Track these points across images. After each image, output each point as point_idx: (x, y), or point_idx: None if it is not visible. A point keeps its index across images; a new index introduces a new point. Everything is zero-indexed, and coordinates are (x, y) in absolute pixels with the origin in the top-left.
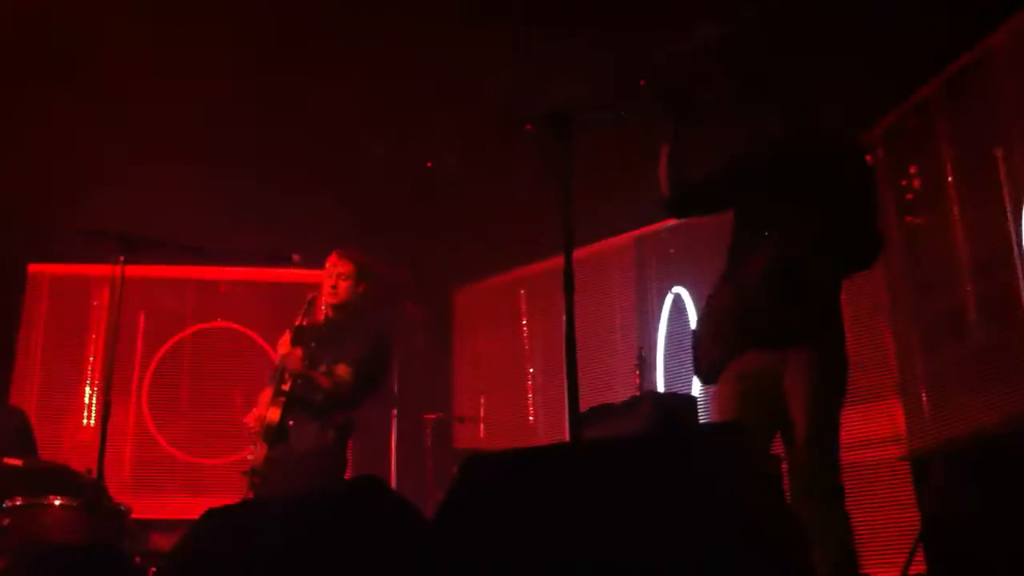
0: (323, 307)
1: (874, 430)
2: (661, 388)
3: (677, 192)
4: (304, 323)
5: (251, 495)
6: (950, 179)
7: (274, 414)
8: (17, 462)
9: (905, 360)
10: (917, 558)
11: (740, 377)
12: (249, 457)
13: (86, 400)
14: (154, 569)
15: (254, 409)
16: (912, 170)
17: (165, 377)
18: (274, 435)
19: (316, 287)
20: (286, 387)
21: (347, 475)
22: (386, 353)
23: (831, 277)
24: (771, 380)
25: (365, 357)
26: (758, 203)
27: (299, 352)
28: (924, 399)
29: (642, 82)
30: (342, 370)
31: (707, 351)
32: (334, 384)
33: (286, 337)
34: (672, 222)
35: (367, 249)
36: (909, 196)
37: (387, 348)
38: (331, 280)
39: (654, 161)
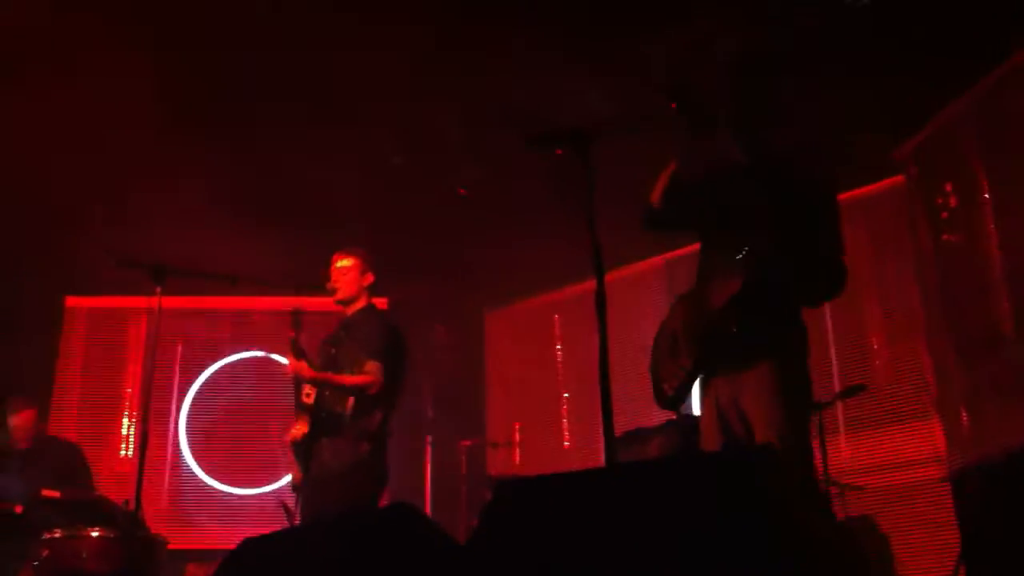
0: (336, 306)
1: (913, 450)
2: (696, 411)
3: (667, 203)
4: (296, 336)
5: (293, 518)
6: (985, 195)
7: (300, 429)
8: (56, 494)
9: (943, 378)
10: None
11: (717, 403)
12: (289, 482)
13: (124, 431)
14: None
15: (289, 430)
16: (947, 188)
17: (201, 407)
18: (304, 451)
19: (308, 313)
20: (308, 400)
21: (385, 494)
22: (403, 342)
23: (794, 305)
24: (740, 404)
25: (387, 346)
26: (720, 226)
27: (303, 363)
28: (963, 417)
29: (672, 104)
30: (370, 366)
31: (667, 377)
32: (363, 381)
33: (289, 356)
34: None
35: (397, 274)
36: (944, 215)
37: (402, 337)
38: (334, 277)
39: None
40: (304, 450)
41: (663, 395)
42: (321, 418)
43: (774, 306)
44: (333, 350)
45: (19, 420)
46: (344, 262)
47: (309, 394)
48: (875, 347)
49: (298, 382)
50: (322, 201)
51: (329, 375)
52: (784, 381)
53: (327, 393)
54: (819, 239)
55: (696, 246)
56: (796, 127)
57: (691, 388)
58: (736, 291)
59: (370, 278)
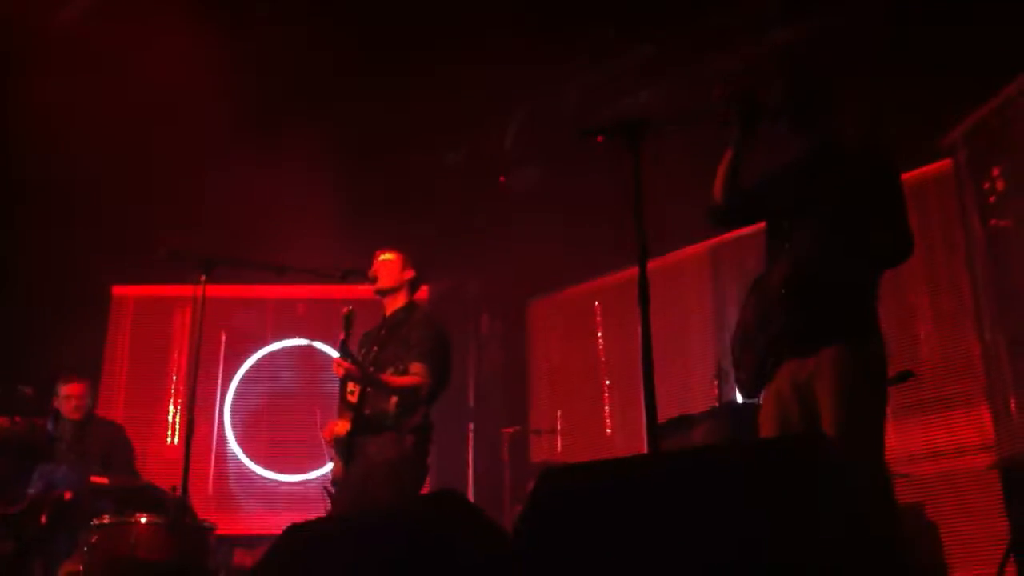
0: (378, 301)
1: (962, 438)
2: (740, 399)
3: (728, 199)
4: (346, 338)
5: (331, 511)
6: None
7: (343, 427)
8: (104, 480)
9: (992, 365)
10: (1009, 569)
11: (778, 393)
12: (329, 472)
13: (170, 418)
14: None
15: (329, 424)
16: (995, 172)
17: (246, 395)
18: (346, 448)
19: (350, 302)
20: (352, 398)
21: (427, 484)
22: (448, 342)
23: (853, 277)
24: (807, 391)
25: (433, 348)
26: (779, 213)
27: (353, 365)
28: (1013, 405)
29: (719, 90)
30: (416, 367)
31: (742, 365)
32: (411, 383)
33: (336, 358)
34: (747, 231)
35: (442, 263)
36: (992, 199)
37: (447, 337)
38: (375, 267)
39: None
40: (346, 447)
41: (740, 382)
42: (364, 416)
43: (834, 289)
44: (375, 348)
45: (70, 389)
46: (387, 256)
47: (353, 392)
48: (923, 334)
49: (344, 381)
50: (368, 195)
51: (379, 377)
52: (853, 367)
53: (370, 392)
54: (875, 209)
55: (740, 231)
56: (845, 113)
57: (765, 375)
58: (787, 273)
59: (411, 273)
